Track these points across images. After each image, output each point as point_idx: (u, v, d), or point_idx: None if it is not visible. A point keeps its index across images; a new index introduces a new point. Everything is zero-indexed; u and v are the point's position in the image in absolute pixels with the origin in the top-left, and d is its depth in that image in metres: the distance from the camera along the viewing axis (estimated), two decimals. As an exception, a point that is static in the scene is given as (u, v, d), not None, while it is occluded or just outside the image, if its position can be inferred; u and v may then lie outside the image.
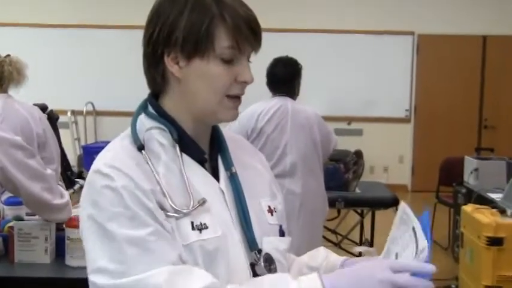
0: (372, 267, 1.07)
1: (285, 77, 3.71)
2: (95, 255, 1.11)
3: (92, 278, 1.11)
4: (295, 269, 1.40)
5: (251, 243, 1.24)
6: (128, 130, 1.24)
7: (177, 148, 1.21)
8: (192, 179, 1.20)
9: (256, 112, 3.61)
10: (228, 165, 1.29)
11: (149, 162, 1.17)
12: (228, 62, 1.19)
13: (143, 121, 1.24)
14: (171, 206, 1.14)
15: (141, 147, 1.19)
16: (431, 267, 1.06)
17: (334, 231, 4.98)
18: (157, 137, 1.22)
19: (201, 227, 1.16)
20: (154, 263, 1.06)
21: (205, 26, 1.16)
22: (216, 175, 1.27)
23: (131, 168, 1.14)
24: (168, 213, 1.14)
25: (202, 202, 1.18)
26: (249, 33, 1.18)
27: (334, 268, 1.33)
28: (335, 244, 5.05)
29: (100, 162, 1.16)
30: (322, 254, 1.42)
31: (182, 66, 1.19)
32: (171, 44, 1.18)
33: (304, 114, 3.69)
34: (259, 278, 1.12)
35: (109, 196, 1.11)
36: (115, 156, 1.17)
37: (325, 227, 4.47)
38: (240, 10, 1.18)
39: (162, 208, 1.14)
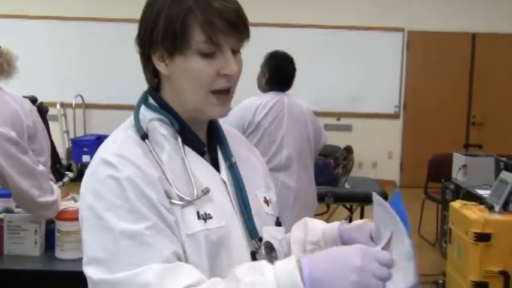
0: (355, 254, 1.03)
1: (291, 75, 3.75)
2: (89, 245, 1.11)
3: (85, 269, 1.11)
4: (296, 247, 1.40)
5: (252, 232, 1.26)
6: (129, 121, 1.25)
7: (179, 139, 1.22)
8: (194, 169, 1.21)
9: (253, 106, 3.62)
10: (228, 156, 1.31)
11: (153, 151, 1.18)
12: (208, 55, 1.18)
13: (144, 113, 1.25)
14: (176, 194, 1.15)
15: (144, 137, 1.19)
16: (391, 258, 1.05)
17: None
18: (159, 128, 1.23)
19: (206, 217, 1.17)
20: (147, 258, 1.05)
21: (180, 22, 1.17)
22: (215, 166, 1.28)
23: (139, 156, 1.15)
24: (174, 201, 1.14)
25: (206, 191, 1.19)
26: (224, 26, 1.16)
27: (334, 239, 1.35)
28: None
29: (106, 151, 1.16)
30: (317, 226, 1.42)
31: (168, 64, 1.20)
32: (154, 43, 1.20)
33: (299, 109, 3.73)
34: (235, 269, 1.09)
35: (111, 186, 1.10)
36: (122, 145, 1.17)
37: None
38: (214, 3, 1.16)
39: (169, 196, 1.14)
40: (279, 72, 3.72)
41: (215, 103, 1.21)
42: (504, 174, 3.94)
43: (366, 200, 4.68)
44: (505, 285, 3.66)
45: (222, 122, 1.38)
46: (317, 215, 4.64)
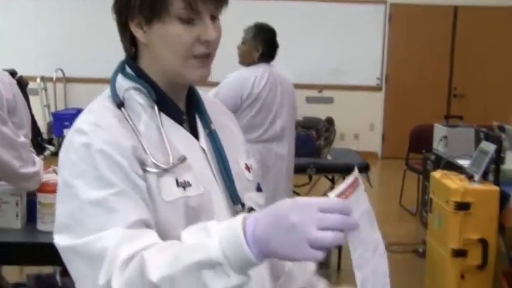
0: (290, 209, 0.96)
1: (278, 47, 3.83)
2: (58, 213, 1.12)
3: (54, 237, 1.12)
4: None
5: (234, 198, 1.26)
6: (106, 92, 1.25)
7: (156, 108, 1.22)
8: (172, 138, 1.21)
9: (250, 78, 3.65)
10: (207, 123, 1.31)
11: (129, 120, 1.18)
12: (187, 21, 1.18)
13: (121, 82, 1.24)
14: (152, 162, 1.15)
15: (120, 105, 1.20)
16: (348, 203, 0.96)
17: (305, 198, 5.02)
18: (136, 97, 1.23)
19: (185, 185, 1.17)
20: (111, 223, 1.05)
21: None
22: (195, 134, 1.28)
23: (114, 125, 1.15)
24: (149, 170, 1.14)
25: (183, 159, 1.19)
26: None
27: None
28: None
29: (81, 121, 1.17)
30: None
31: (146, 31, 1.20)
32: (131, 10, 1.19)
33: (286, 80, 3.84)
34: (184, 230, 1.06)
35: (82, 154, 1.11)
36: (98, 115, 1.18)
37: (296, 193, 4.52)
38: None
39: (143, 164, 1.14)
40: (272, 45, 3.78)
41: (195, 65, 1.21)
42: (484, 144, 3.98)
43: (348, 171, 4.69)
44: (483, 253, 3.72)
45: (214, 94, 1.38)
46: (299, 186, 4.68)
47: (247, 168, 1.37)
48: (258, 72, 3.68)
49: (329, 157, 4.86)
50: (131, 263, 1.01)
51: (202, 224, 1.02)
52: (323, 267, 4.07)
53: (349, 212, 0.95)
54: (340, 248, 4.72)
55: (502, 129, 4.39)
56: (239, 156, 1.36)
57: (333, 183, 4.97)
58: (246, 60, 3.78)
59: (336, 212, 0.94)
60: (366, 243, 1.01)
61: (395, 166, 7.20)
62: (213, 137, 1.30)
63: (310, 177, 5.02)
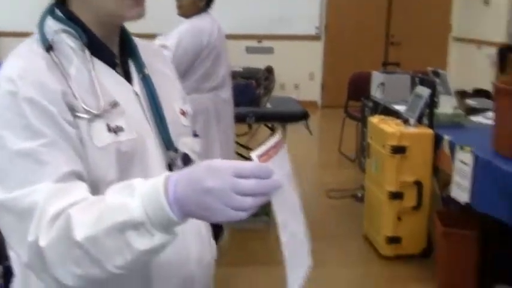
0: (205, 173, 0.95)
1: None
2: None
3: None
4: None
5: (168, 143, 1.24)
6: (34, 36, 1.19)
7: (87, 51, 1.18)
8: (104, 82, 1.18)
9: (206, 28, 3.61)
10: (140, 67, 1.28)
11: (59, 64, 1.14)
12: None
13: (50, 24, 1.20)
14: (82, 107, 1.12)
15: (49, 48, 1.15)
16: (266, 166, 0.94)
17: (245, 147, 5.03)
18: (67, 40, 1.18)
19: (117, 130, 1.15)
20: (41, 176, 1.03)
21: None
22: (128, 79, 1.25)
23: (42, 70, 1.11)
24: (80, 115, 1.11)
25: (114, 104, 1.16)
26: None
27: None
28: (246, 159, 5.12)
29: (8, 67, 1.12)
30: None
31: None
32: None
33: (221, 27, 3.78)
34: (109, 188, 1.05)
35: (9, 103, 1.07)
36: (25, 60, 1.13)
37: (237, 143, 4.51)
38: None
39: (73, 110, 1.11)
40: None
41: (130, 4, 1.18)
42: (419, 89, 4.05)
43: (288, 119, 4.74)
44: (418, 194, 3.83)
45: (175, 47, 1.35)
46: (239, 136, 4.68)
47: (183, 113, 1.35)
48: (209, 22, 3.66)
49: (268, 106, 4.86)
50: (58, 220, 0.99)
51: (127, 182, 1.02)
52: (261, 215, 4.11)
53: (268, 175, 0.94)
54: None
55: (436, 74, 4.47)
56: (174, 101, 1.34)
57: (273, 132, 4.99)
58: (190, 11, 3.69)
59: (252, 176, 0.93)
60: (288, 205, 1.01)
61: (335, 114, 7.27)
62: (146, 81, 1.27)
63: (250, 126, 5.02)
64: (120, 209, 0.97)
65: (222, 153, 3.56)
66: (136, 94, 1.24)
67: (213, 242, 1.38)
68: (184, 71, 3.43)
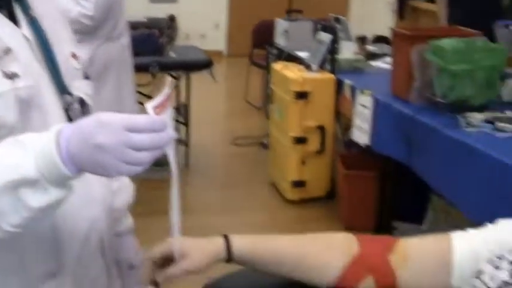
0: (95, 127, 0.93)
1: None
2: None
3: None
4: None
5: (62, 88, 1.19)
6: None
7: None
8: None
9: None
10: (26, 10, 1.20)
11: None
12: None
13: None
14: None
15: None
16: (160, 119, 0.94)
17: (149, 96, 4.96)
18: None
19: (13, 76, 1.09)
20: None
21: None
22: (14, 22, 1.17)
23: None
24: None
25: (7, 50, 1.10)
26: None
27: None
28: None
29: None
30: None
31: None
32: None
33: None
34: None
35: None
36: None
37: (140, 93, 4.44)
38: None
39: None
40: None
41: None
42: (321, 35, 4.11)
43: (192, 67, 4.70)
44: (321, 138, 3.92)
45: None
46: (142, 86, 4.60)
47: (74, 56, 1.30)
48: None
49: (172, 55, 4.79)
50: None
51: (19, 136, 0.98)
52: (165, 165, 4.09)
53: (161, 128, 0.93)
54: (187, 144, 4.77)
55: (337, 20, 4.53)
56: (64, 44, 1.28)
57: (177, 80, 4.94)
58: None
59: (145, 131, 0.91)
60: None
61: (240, 63, 7.27)
62: (34, 25, 1.20)
63: (154, 76, 4.93)
64: (12, 167, 0.94)
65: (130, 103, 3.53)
66: (27, 38, 1.18)
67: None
68: (104, 19, 3.32)
